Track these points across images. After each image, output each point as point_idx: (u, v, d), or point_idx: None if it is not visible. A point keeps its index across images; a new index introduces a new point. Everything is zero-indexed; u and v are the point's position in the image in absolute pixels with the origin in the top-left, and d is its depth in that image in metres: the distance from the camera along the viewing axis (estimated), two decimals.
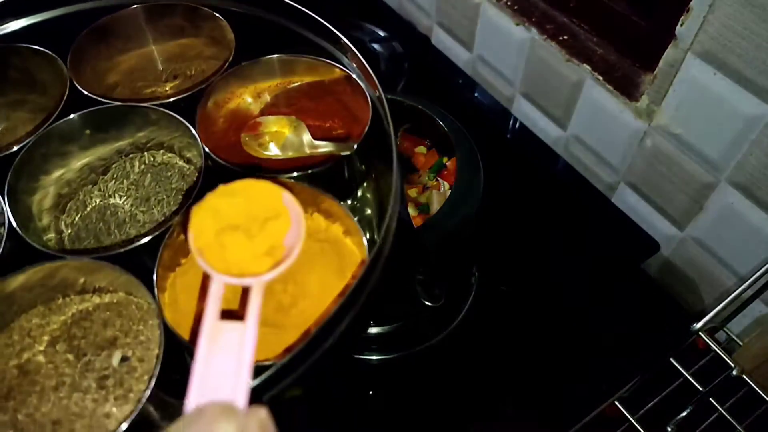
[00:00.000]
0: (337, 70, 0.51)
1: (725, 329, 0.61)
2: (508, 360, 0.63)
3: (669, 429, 0.53)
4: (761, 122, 0.53)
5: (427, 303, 0.49)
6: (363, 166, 0.49)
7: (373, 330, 0.65)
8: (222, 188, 0.34)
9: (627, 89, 0.65)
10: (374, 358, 0.63)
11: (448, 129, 0.61)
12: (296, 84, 0.54)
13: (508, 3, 0.76)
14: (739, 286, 0.52)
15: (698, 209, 0.65)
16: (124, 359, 0.40)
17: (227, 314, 0.30)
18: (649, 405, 0.55)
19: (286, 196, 0.34)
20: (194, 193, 0.45)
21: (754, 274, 0.53)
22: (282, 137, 0.51)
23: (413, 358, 0.63)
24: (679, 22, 0.55)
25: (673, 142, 0.63)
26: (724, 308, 0.51)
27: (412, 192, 0.64)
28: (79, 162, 0.51)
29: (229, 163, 0.46)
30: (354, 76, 0.50)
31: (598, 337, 0.65)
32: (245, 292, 0.32)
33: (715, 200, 0.62)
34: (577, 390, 0.60)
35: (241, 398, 0.26)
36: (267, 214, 0.33)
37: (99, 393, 0.38)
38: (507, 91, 0.85)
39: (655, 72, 0.61)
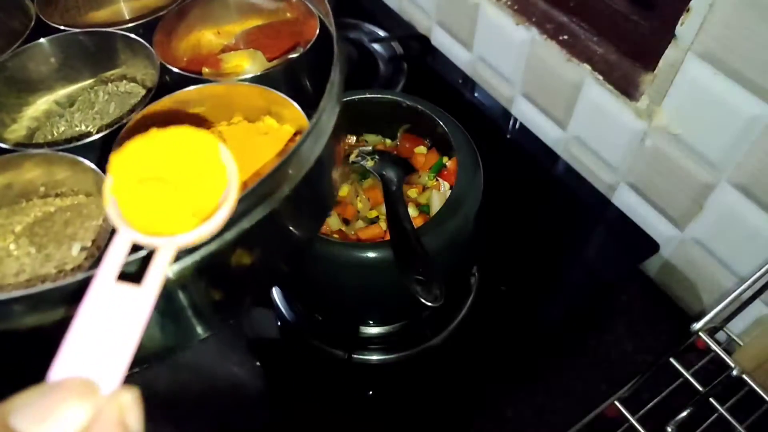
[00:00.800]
0: None
1: (725, 329, 0.61)
2: (508, 360, 0.63)
3: (669, 429, 0.53)
4: (761, 122, 0.53)
5: (426, 303, 0.49)
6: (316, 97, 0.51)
7: (373, 330, 0.65)
8: (155, 133, 0.28)
9: (627, 89, 0.65)
10: (374, 358, 0.63)
11: (448, 129, 0.61)
12: (253, 25, 0.58)
13: (508, 3, 0.76)
14: (739, 287, 0.52)
15: (698, 210, 0.65)
16: (83, 249, 0.42)
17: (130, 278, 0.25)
18: (649, 405, 0.55)
19: (225, 153, 0.29)
20: (150, 95, 0.46)
21: (754, 275, 0.52)
22: (241, 70, 0.53)
23: (413, 358, 0.63)
24: (679, 22, 0.56)
25: (673, 142, 0.63)
26: (724, 308, 0.51)
27: (412, 192, 0.63)
28: (47, 99, 0.53)
29: (186, 71, 0.47)
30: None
31: (598, 338, 0.65)
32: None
33: (715, 200, 0.62)
34: (577, 390, 0.60)
35: (113, 379, 0.22)
36: (201, 169, 0.28)
37: (58, 276, 0.40)
38: (507, 91, 0.85)
39: (655, 72, 0.61)
